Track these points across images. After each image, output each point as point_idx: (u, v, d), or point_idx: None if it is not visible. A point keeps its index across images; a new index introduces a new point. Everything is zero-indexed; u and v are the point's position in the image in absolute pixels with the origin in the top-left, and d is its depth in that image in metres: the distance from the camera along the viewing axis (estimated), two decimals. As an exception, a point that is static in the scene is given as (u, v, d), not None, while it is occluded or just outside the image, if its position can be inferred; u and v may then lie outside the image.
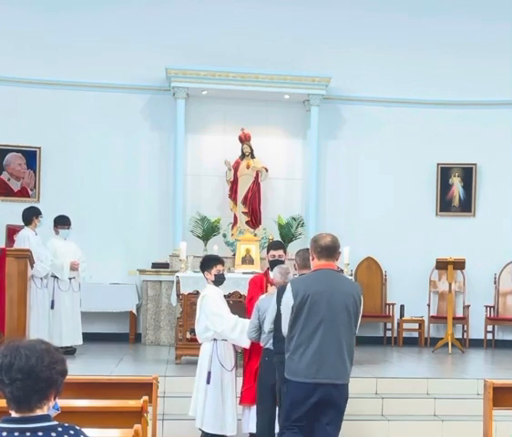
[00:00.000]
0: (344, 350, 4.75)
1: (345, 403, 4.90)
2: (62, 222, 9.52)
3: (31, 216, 9.17)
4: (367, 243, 11.56)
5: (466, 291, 11.73)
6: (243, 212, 11.10)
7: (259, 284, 6.77)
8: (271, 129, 11.62)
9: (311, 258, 4.97)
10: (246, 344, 6.25)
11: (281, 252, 6.79)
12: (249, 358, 6.52)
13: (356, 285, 5.11)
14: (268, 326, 5.62)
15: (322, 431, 4.79)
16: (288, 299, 4.78)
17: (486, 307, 11.48)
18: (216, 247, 10.06)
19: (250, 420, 6.44)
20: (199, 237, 10.96)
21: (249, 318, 6.27)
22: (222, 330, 6.23)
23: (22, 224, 9.35)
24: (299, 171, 11.74)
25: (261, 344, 5.95)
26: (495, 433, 5.57)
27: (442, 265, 10.75)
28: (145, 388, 4.76)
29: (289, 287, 4.86)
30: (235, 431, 6.37)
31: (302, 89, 11.22)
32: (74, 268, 9.41)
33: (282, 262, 6.60)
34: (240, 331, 6.19)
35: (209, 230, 10.98)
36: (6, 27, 10.95)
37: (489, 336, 11.48)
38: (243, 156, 11.19)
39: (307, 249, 5.40)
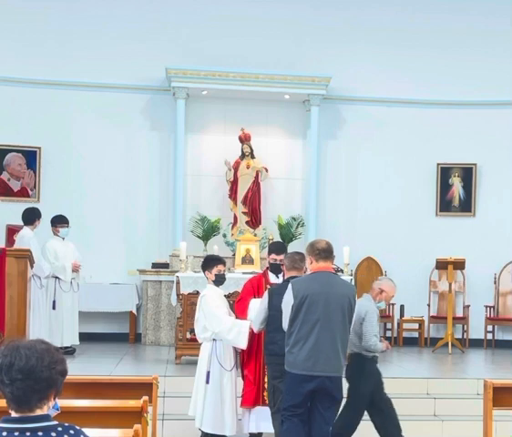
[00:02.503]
0: (339, 346, 5.16)
1: (340, 394, 5.33)
2: (61, 221, 9.52)
3: (34, 217, 9.18)
4: (367, 243, 11.56)
5: (466, 291, 11.73)
6: (243, 212, 11.10)
7: (255, 285, 6.67)
8: (271, 129, 11.62)
9: (308, 261, 5.38)
10: (243, 346, 6.23)
11: (282, 257, 6.54)
12: (247, 361, 6.48)
13: (351, 286, 5.52)
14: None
15: (319, 416, 5.20)
16: (289, 299, 5.18)
17: (486, 307, 11.48)
18: (216, 247, 10.07)
19: (251, 420, 6.44)
20: (199, 237, 10.96)
21: (241, 318, 6.34)
22: (219, 330, 6.22)
23: (22, 224, 9.35)
24: (299, 171, 11.74)
25: None
26: (495, 433, 5.57)
27: (442, 265, 10.75)
28: (145, 388, 4.75)
29: (290, 287, 5.24)
30: (234, 431, 6.36)
31: (302, 89, 11.21)
32: (75, 269, 9.42)
33: (282, 266, 6.59)
34: (236, 333, 6.17)
35: (209, 230, 10.98)
36: (6, 27, 10.95)
37: (489, 336, 11.47)
38: (243, 156, 11.18)
39: (296, 253, 6.02)
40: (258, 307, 6.04)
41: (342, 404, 5.59)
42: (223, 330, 6.20)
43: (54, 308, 9.24)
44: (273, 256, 6.57)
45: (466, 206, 11.92)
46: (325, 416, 5.22)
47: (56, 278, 9.29)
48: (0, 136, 10.96)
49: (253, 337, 6.24)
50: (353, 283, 9.26)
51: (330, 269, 5.31)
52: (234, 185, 11.16)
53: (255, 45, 11.41)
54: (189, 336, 8.64)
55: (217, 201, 11.47)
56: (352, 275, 9.81)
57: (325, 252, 5.23)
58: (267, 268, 6.77)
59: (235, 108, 11.47)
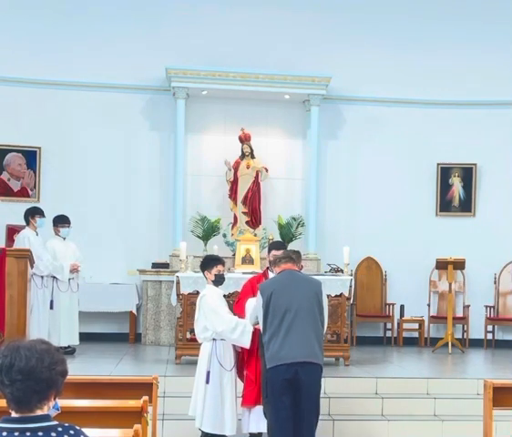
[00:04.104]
0: (311, 335, 5.45)
1: (316, 386, 5.51)
2: (62, 221, 9.53)
3: (28, 216, 9.20)
4: (367, 243, 11.56)
5: (466, 291, 11.73)
6: (243, 212, 11.10)
7: (255, 285, 6.67)
8: (271, 129, 11.62)
9: (275, 272, 5.90)
10: (246, 345, 6.24)
11: None
12: (248, 360, 6.48)
13: (317, 281, 5.81)
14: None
15: (301, 420, 5.36)
16: (259, 300, 5.65)
17: (486, 307, 11.48)
18: (216, 247, 10.07)
19: (251, 420, 6.44)
20: (199, 237, 10.96)
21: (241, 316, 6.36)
22: (222, 330, 6.22)
23: (22, 224, 9.39)
24: (299, 171, 11.74)
25: None
26: (495, 433, 5.57)
27: (442, 265, 10.75)
28: (145, 388, 4.75)
29: (258, 289, 5.73)
30: (234, 430, 6.37)
31: (302, 89, 11.21)
32: (74, 270, 9.41)
33: None
34: (240, 332, 6.16)
35: (209, 230, 10.98)
36: (7, 27, 10.95)
37: (489, 336, 11.47)
38: (243, 156, 11.19)
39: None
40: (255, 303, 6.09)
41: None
42: (227, 329, 6.19)
43: (51, 307, 9.23)
44: (273, 252, 6.58)
45: (466, 206, 11.92)
46: (306, 416, 5.37)
47: (54, 277, 9.29)
48: (0, 136, 10.96)
49: (254, 336, 6.24)
50: (353, 283, 9.27)
51: (292, 267, 5.73)
52: (234, 185, 11.16)
53: (255, 45, 11.40)
54: (189, 336, 8.65)
55: (217, 201, 11.47)
56: (352, 275, 9.80)
57: (284, 259, 5.75)
58: (267, 267, 6.77)
59: (235, 108, 11.46)
